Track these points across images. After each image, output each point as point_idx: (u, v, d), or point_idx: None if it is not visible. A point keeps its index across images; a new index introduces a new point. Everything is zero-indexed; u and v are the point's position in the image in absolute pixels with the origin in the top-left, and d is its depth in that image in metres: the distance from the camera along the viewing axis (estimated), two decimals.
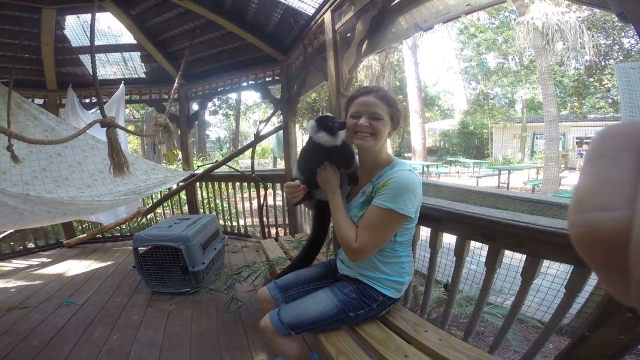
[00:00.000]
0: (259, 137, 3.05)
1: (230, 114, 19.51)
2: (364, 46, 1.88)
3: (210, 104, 18.95)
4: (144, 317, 2.25)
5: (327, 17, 2.06)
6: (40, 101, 3.54)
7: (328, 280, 1.28)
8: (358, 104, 1.09)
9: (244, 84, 3.43)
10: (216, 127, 26.17)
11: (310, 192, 1.22)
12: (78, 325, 2.19)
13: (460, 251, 1.24)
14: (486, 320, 1.84)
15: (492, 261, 1.13)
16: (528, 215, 1.05)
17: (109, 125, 1.89)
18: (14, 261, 3.53)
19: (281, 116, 3.23)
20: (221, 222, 4.10)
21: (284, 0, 2.29)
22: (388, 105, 1.08)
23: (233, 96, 18.02)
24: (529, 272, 1.03)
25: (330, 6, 2.02)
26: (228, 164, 3.46)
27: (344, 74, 1.97)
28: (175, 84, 2.76)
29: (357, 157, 1.23)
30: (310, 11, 2.33)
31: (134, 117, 13.67)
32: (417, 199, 1.04)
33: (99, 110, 3.72)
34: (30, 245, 3.85)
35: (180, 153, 3.78)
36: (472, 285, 2.36)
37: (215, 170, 3.72)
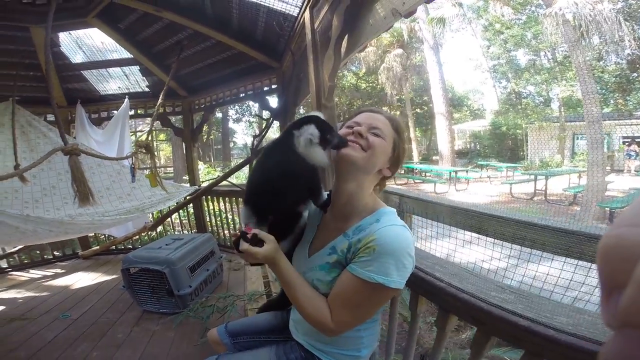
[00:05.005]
0: (255, 152, 2.93)
1: (253, 122, 19.85)
2: (344, 44, 1.66)
3: (232, 112, 19.42)
4: (128, 336, 2.24)
5: (307, 15, 1.89)
6: (52, 118, 3.67)
7: (282, 336, 1.09)
8: (361, 117, 0.90)
9: (242, 94, 3.35)
10: (242, 134, 26.94)
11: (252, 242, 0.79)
12: (65, 340, 2.22)
13: (442, 324, 0.98)
14: None
15: (480, 346, 0.86)
16: (539, 298, 0.79)
17: (71, 152, 1.80)
18: (31, 271, 3.68)
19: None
20: (227, 235, 4.03)
21: (263, 2, 2.14)
22: (396, 132, 0.89)
23: (255, 104, 18.31)
24: None
25: (308, 2, 1.85)
26: (228, 179, 3.37)
27: (325, 81, 1.77)
28: (160, 99, 2.69)
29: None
30: (294, 12, 2.16)
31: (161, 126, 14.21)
32: (411, 263, 0.80)
33: (105, 126, 3.87)
34: (48, 256, 4.00)
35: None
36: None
37: (220, 185, 3.66)
